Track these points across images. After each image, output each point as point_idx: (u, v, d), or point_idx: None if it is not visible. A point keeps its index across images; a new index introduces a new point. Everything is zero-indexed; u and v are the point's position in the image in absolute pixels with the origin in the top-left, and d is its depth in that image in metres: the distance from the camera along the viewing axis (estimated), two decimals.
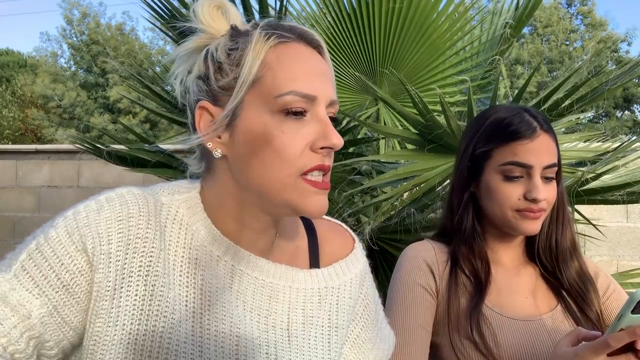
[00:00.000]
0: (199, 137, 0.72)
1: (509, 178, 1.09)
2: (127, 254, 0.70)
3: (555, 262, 1.14)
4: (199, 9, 0.74)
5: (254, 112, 0.70)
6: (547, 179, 1.09)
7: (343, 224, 0.92)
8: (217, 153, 0.72)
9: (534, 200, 1.06)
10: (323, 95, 0.71)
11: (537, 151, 1.08)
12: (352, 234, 0.91)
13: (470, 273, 1.12)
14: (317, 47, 0.74)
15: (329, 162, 0.71)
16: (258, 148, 0.69)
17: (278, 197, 0.70)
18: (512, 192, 1.08)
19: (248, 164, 0.71)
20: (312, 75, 0.71)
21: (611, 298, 1.14)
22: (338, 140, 0.70)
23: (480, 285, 1.10)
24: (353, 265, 0.87)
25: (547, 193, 1.08)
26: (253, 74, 0.69)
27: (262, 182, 0.70)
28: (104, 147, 2.29)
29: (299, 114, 0.69)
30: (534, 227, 1.09)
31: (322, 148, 0.69)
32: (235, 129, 0.71)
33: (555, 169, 1.10)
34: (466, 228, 1.15)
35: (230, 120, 0.71)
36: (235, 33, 0.73)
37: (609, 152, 2.01)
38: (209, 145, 0.72)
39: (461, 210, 1.16)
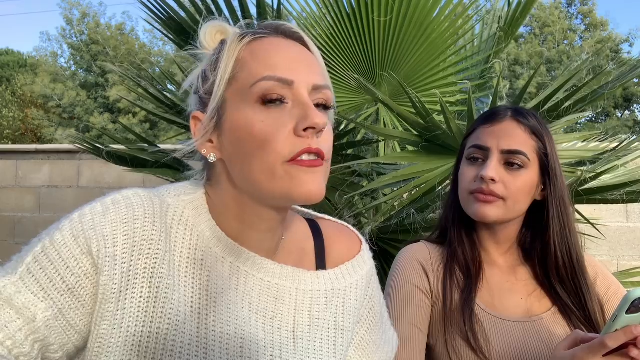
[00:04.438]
0: (191, 143, 0.74)
1: (469, 161, 1.12)
2: (133, 256, 0.70)
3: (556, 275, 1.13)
4: (203, 36, 0.76)
5: (235, 108, 0.71)
6: (510, 166, 1.08)
7: (350, 226, 0.91)
8: (212, 157, 0.73)
9: (483, 180, 1.06)
10: (302, 79, 0.70)
11: (497, 134, 1.09)
12: (359, 235, 0.91)
13: (463, 269, 1.12)
14: (298, 39, 0.74)
15: (317, 144, 0.68)
16: (243, 142, 0.70)
17: (269, 187, 0.69)
18: (469, 174, 1.10)
19: (238, 161, 0.71)
20: (288, 61, 0.71)
21: (611, 301, 1.14)
22: (320, 120, 0.67)
23: (470, 279, 1.10)
24: (360, 267, 0.87)
25: (502, 176, 1.07)
26: (228, 72, 0.71)
27: (252, 175, 0.70)
28: (103, 147, 2.29)
29: (277, 101, 0.69)
30: (484, 211, 1.08)
31: (305, 130, 0.68)
32: (223, 130, 0.72)
33: (522, 157, 1.07)
34: (455, 224, 1.16)
35: (217, 123, 0.73)
36: (221, 46, 0.75)
37: (608, 151, 2.01)
38: (204, 151, 0.74)
39: (448, 206, 1.18)
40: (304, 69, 0.71)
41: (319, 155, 0.69)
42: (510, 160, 1.07)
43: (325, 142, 0.71)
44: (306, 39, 0.75)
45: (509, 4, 2.48)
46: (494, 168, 1.06)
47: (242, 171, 0.71)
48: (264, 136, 0.68)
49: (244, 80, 0.70)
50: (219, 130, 0.73)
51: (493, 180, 1.06)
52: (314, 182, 0.68)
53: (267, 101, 0.69)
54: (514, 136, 1.08)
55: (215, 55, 0.74)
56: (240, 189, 0.73)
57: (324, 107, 0.72)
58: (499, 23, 2.49)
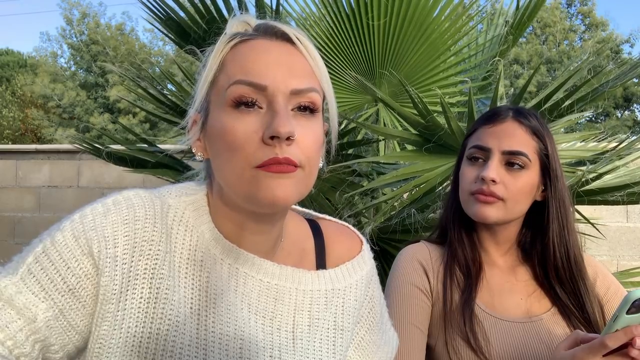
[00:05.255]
0: (184, 141, 0.77)
1: (470, 161, 1.12)
2: (134, 257, 0.71)
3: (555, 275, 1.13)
4: (229, 30, 0.75)
5: (214, 111, 0.71)
6: (511, 166, 1.08)
7: (350, 226, 0.91)
8: (199, 156, 0.75)
9: (484, 180, 1.06)
10: (277, 84, 0.68)
11: (498, 135, 1.09)
12: (360, 235, 0.91)
13: (463, 269, 1.12)
14: (288, 40, 0.72)
15: (285, 153, 0.66)
16: (218, 145, 0.70)
17: (237, 189, 0.69)
18: (470, 174, 1.10)
19: (216, 162, 0.72)
20: (265, 65, 0.69)
21: (611, 301, 1.14)
22: (283, 129, 0.65)
23: (471, 279, 1.10)
24: (360, 267, 0.87)
25: (503, 177, 1.07)
26: (211, 75, 0.72)
27: (225, 176, 0.71)
28: (103, 148, 2.29)
29: (249, 104, 0.68)
30: (484, 212, 1.07)
31: (272, 139, 0.66)
32: (206, 131, 0.73)
33: (523, 158, 1.07)
34: (455, 224, 1.16)
35: (203, 124, 0.73)
36: (213, 47, 0.75)
37: (608, 151, 2.01)
38: (194, 149, 0.75)
39: (449, 207, 1.18)
40: (281, 73, 0.69)
41: (290, 163, 0.67)
42: (511, 161, 1.07)
43: (301, 149, 0.68)
44: (295, 39, 0.72)
45: (517, 8, 2.48)
46: (494, 169, 1.06)
47: (218, 172, 0.72)
48: (233, 141, 0.67)
49: (222, 83, 0.70)
50: (204, 131, 0.74)
51: (494, 181, 1.06)
52: (280, 188, 0.67)
53: (239, 105, 0.68)
54: (515, 137, 1.08)
55: (206, 56, 0.74)
56: (223, 189, 0.74)
57: (310, 110, 0.70)
58: (505, 26, 2.49)
